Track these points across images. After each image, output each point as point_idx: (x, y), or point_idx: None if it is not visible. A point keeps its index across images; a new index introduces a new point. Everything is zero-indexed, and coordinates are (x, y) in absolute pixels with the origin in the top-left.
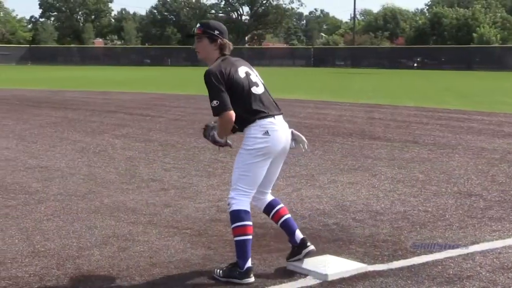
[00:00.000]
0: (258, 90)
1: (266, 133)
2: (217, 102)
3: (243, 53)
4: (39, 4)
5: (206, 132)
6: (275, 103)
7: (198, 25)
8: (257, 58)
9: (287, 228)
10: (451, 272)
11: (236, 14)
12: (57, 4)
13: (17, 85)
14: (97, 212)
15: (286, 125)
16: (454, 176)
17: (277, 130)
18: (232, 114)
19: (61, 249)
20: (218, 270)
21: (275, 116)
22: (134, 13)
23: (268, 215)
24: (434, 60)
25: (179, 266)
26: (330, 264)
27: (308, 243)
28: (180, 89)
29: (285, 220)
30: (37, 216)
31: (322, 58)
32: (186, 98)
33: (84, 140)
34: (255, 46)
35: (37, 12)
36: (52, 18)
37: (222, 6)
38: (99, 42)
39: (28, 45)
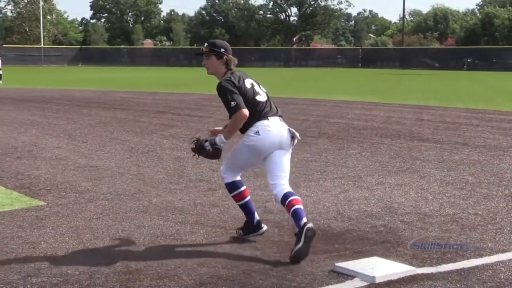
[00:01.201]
0: (261, 98)
1: (257, 132)
2: (234, 103)
3: (291, 53)
4: (91, 6)
5: (199, 143)
6: (276, 107)
7: (205, 44)
8: (304, 59)
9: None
10: (502, 277)
11: (284, 15)
12: (108, 6)
13: (68, 85)
14: (145, 212)
15: (282, 125)
16: (505, 178)
17: (269, 130)
18: (246, 111)
19: (110, 247)
20: (238, 231)
21: (269, 118)
22: (183, 14)
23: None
24: (484, 61)
25: (226, 266)
26: (378, 266)
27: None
28: None
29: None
30: (87, 214)
31: (370, 59)
32: None
33: (133, 140)
34: (303, 47)
35: (88, 13)
36: (103, 20)
37: (270, 7)
38: (148, 43)
39: (79, 46)
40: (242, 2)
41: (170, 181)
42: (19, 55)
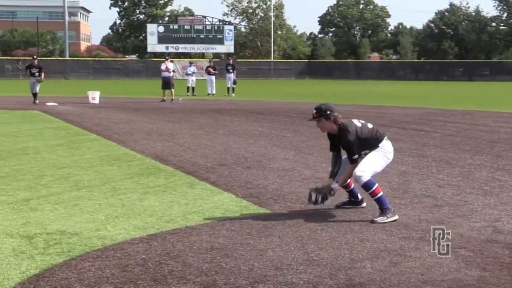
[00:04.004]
0: (371, 125)
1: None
2: (356, 156)
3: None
4: (319, 21)
5: (316, 194)
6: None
7: (314, 111)
8: None
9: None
10: None
11: None
12: (335, 20)
13: (295, 98)
14: (369, 226)
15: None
16: None
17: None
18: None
19: (334, 259)
20: (379, 218)
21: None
22: (411, 28)
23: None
24: None
25: (452, 285)
26: None
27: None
28: (456, 104)
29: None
30: (311, 225)
31: None
32: (462, 113)
33: None
34: None
35: (316, 28)
36: (330, 34)
37: (503, 18)
38: (375, 57)
39: (307, 60)
40: (473, 14)
41: (395, 195)
42: (251, 68)
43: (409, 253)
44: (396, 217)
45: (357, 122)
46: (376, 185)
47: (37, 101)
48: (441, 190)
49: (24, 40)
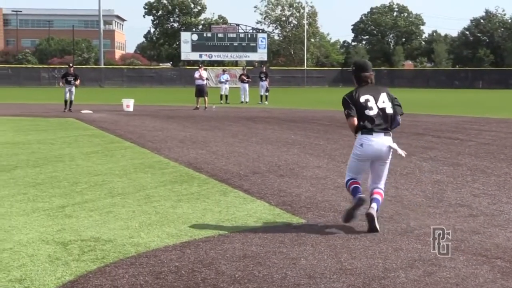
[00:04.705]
0: (371, 113)
1: (361, 145)
2: (346, 112)
3: None
4: (352, 29)
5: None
6: (386, 123)
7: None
8: None
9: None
10: None
11: None
12: (369, 28)
13: (329, 106)
14: (403, 234)
15: (385, 140)
16: None
17: (370, 144)
18: (354, 120)
19: (367, 268)
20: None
21: (374, 133)
22: (446, 35)
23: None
24: None
25: None
26: None
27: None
28: (492, 113)
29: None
30: (345, 234)
31: None
32: (497, 122)
33: (391, 162)
34: None
35: (350, 36)
36: (364, 42)
37: None
38: (408, 65)
39: (340, 68)
40: (509, 21)
41: (429, 204)
42: (284, 76)
43: (444, 263)
44: (355, 202)
45: (367, 100)
46: (349, 182)
47: (68, 109)
48: (477, 200)
49: (60, 48)
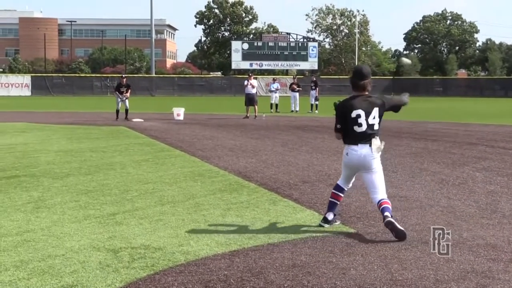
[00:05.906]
0: (358, 129)
1: (347, 154)
2: (335, 126)
3: None
4: (404, 38)
5: None
6: (369, 137)
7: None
8: None
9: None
10: None
11: None
12: (421, 37)
13: None
14: (455, 246)
15: (369, 150)
16: None
17: (354, 154)
18: (340, 136)
19: (418, 279)
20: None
21: (359, 144)
22: (500, 43)
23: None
24: None
25: None
26: None
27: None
28: None
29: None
30: (395, 244)
31: None
32: None
33: (443, 172)
34: None
35: (401, 45)
36: (416, 50)
37: None
38: (462, 74)
39: (391, 77)
40: None
41: (482, 215)
42: (334, 85)
43: (497, 275)
44: (327, 225)
45: (358, 116)
46: (336, 193)
47: (125, 118)
48: None
49: (112, 57)
